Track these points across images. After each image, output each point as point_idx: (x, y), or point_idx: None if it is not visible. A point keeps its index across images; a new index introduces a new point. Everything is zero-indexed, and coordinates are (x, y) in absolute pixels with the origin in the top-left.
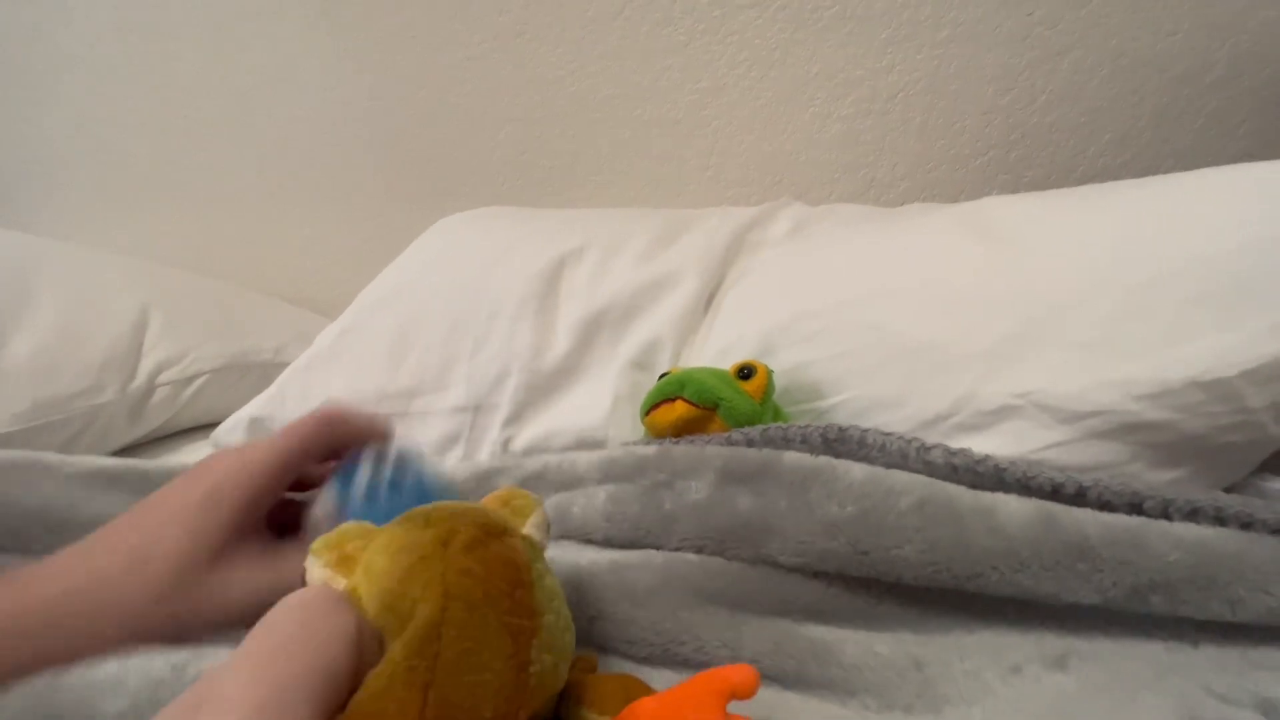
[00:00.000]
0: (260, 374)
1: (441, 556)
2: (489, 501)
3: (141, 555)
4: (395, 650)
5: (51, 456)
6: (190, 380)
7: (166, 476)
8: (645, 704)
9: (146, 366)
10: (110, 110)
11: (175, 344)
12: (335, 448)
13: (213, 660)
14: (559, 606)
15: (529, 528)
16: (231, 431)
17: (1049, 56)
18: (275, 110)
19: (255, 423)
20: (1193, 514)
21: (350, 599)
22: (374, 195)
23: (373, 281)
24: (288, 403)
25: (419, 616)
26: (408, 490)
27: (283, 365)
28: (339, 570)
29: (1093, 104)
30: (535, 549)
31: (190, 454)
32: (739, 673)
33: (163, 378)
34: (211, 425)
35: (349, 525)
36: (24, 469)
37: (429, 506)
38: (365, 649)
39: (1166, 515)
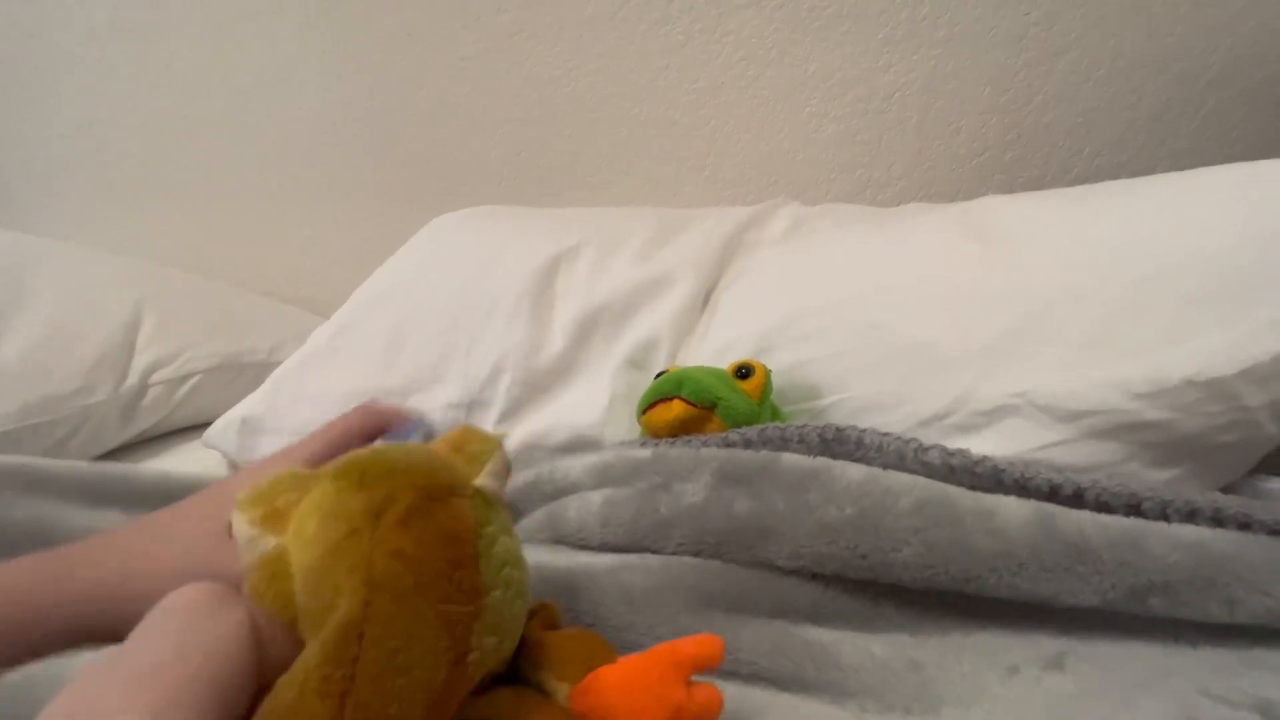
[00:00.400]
0: (255, 374)
1: (371, 533)
2: (441, 444)
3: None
4: (309, 654)
5: (44, 463)
6: (184, 380)
7: (159, 488)
8: (608, 674)
9: (139, 366)
10: (109, 110)
11: (169, 343)
12: (374, 438)
13: None
14: (510, 575)
15: (484, 477)
16: (223, 432)
17: (1046, 57)
18: (274, 110)
19: (247, 422)
20: (1191, 515)
21: (269, 570)
22: (373, 195)
23: (367, 281)
24: (280, 402)
25: (338, 614)
26: None
27: (278, 364)
28: (267, 527)
29: (1089, 104)
30: (489, 506)
31: (183, 454)
32: (701, 644)
33: (156, 377)
34: (204, 425)
35: (282, 474)
36: (15, 475)
37: (367, 454)
38: (270, 642)
39: (1165, 516)
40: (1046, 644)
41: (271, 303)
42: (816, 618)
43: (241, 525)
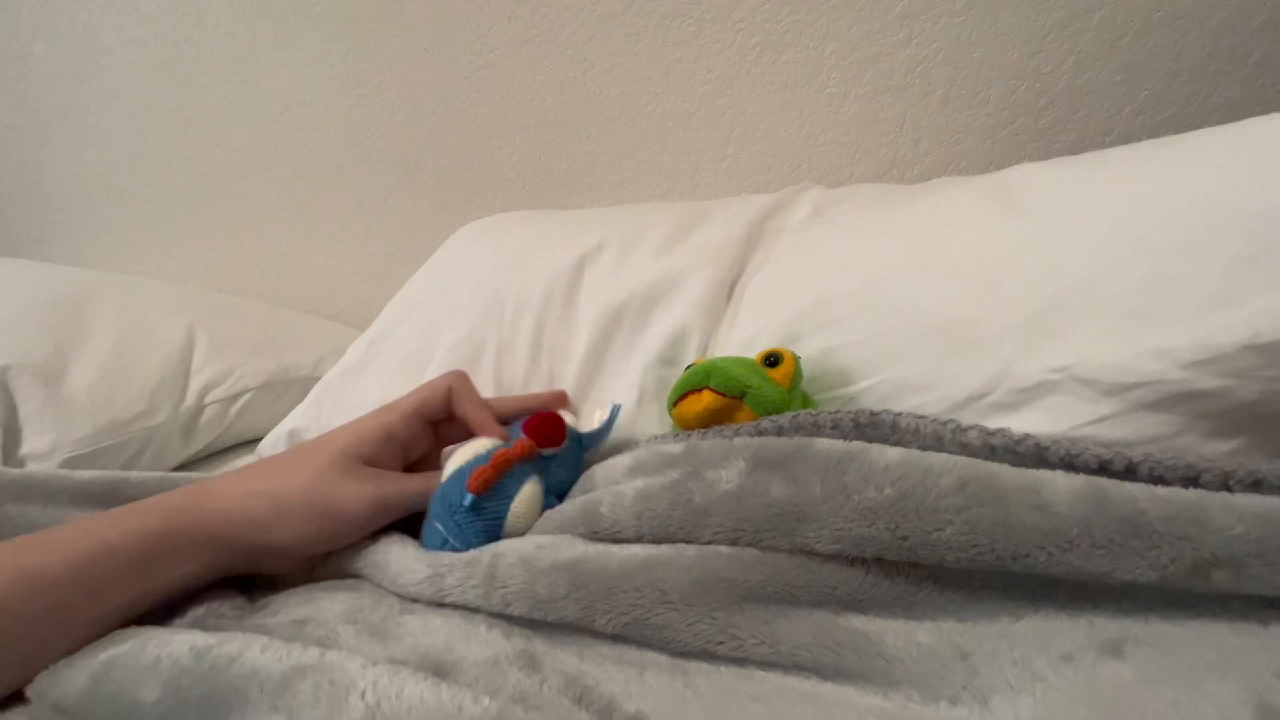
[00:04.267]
0: (301, 388)
1: None
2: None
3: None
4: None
5: (46, 472)
6: (236, 398)
7: (153, 486)
8: None
9: (195, 387)
10: (150, 145)
11: (221, 364)
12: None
13: (233, 646)
14: None
15: None
16: (274, 445)
17: (1077, 15)
18: (300, 134)
19: (294, 434)
20: (1256, 485)
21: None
22: (399, 208)
23: (399, 292)
24: (323, 414)
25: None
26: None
27: (321, 378)
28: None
29: (1126, 61)
30: None
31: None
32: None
33: (210, 396)
34: (257, 439)
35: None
36: (25, 486)
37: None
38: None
39: (1226, 487)
40: (1103, 627)
41: (311, 319)
42: (858, 606)
43: None
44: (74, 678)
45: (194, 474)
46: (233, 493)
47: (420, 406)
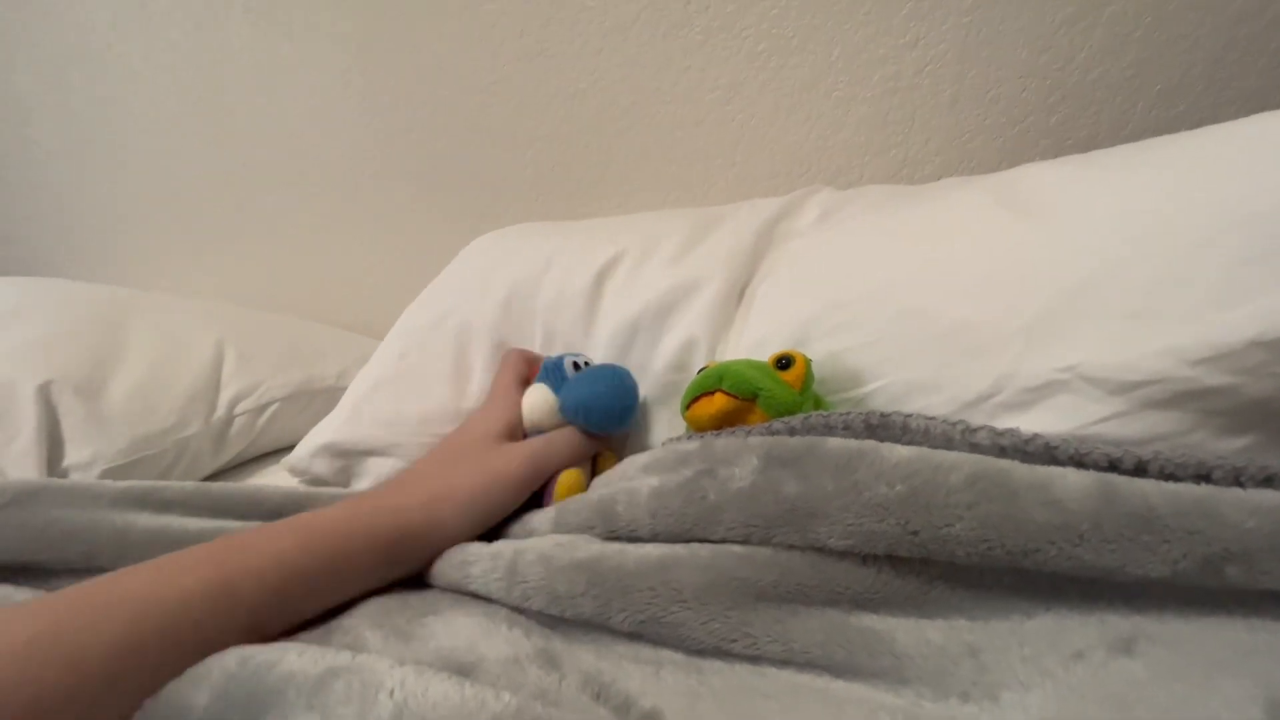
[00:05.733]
0: (324, 398)
1: None
2: None
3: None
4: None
5: (90, 481)
6: (264, 408)
7: (186, 492)
8: None
9: (225, 399)
10: (177, 165)
11: (248, 376)
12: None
13: (273, 653)
14: None
15: None
16: (307, 457)
17: (1086, 10)
18: (320, 151)
19: (331, 447)
20: (1268, 481)
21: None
22: (416, 221)
23: (415, 303)
24: (363, 426)
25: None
26: (592, 369)
27: (344, 389)
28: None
29: (1139, 55)
30: None
31: (269, 477)
32: None
33: (240, 408)
34: (284, 449)
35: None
36: (70, 494)
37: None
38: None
39: (1238, 484)
40: (1115, 625)
41: (333, 330)
42: (869, 604)
43: None
44: None
45: (229, 483)
46: (408, 504)
47: (527, 367)
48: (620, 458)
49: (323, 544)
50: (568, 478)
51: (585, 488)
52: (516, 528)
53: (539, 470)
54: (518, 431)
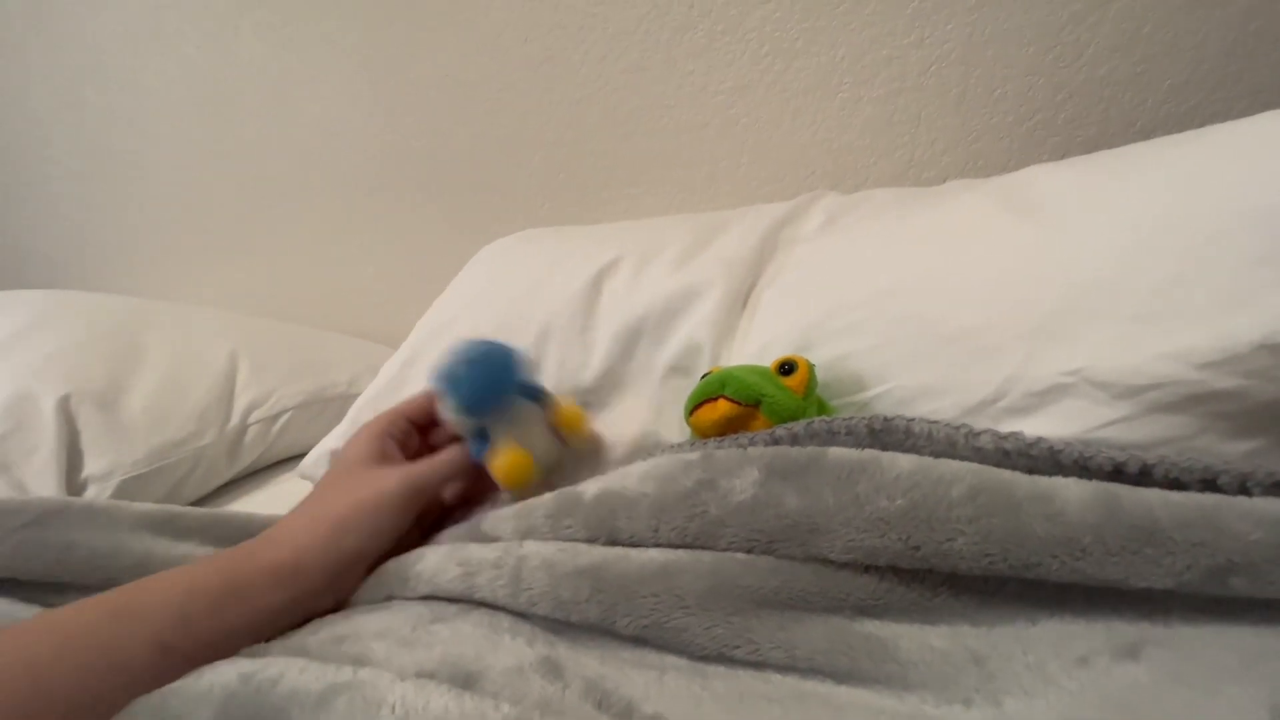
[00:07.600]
0: (338, 406)
1: None
2: None
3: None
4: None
5: (107, 502)
6: (277, 417)
7: (204, 521)
8: None
9: (239, 408)
10: (193, 179)
11: (262, 385)
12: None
13: (275, 670)
14: None
15: None
16: (316, 463)
17: (1094, 6)
18: (331, 162)
19: (335, 453)
20: (1275, 486)
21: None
22: (425, 229)
23: (427, 312)
24: None
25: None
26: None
27: (356, 396)
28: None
29: (1147, 51)
30: None
31: (281, 485)
32: None
33: (253, 417)
34: (297, 457)
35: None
36: (90, 515)
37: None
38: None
39: (1245, 490)
40: (1121, 631)
41: (344, 339)
42: (873, 611)
43: None
44: (135, 712)
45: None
46: (296, 525)
47: (404, 408)
48: (583, 414)
49: (222, 560)
50: (510, 456)
51: (534, 467)
52: (473, 532)
53: (416, 487)
54: (392, 455)
